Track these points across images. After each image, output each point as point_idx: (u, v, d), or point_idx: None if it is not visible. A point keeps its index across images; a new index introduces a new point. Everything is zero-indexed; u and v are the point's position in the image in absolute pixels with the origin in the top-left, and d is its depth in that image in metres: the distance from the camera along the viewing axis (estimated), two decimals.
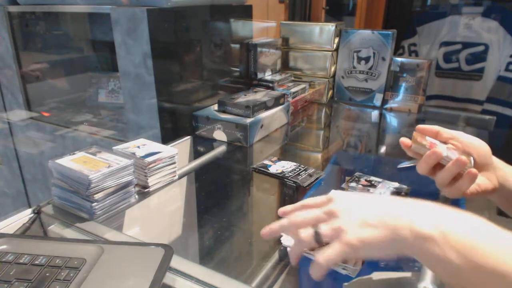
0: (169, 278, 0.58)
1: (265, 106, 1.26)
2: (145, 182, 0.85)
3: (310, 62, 1.66)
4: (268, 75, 1.59)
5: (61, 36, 1.75)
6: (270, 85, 1.51)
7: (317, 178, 0.96)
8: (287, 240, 0.66)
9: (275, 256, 0.66)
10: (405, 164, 0.74)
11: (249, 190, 0.98)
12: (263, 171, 1.00)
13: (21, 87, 1.52)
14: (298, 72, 1.70)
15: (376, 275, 0.59)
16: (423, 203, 0.46)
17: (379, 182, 0.91)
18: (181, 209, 0.87)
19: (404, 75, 1.48)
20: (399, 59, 1.50)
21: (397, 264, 0.63)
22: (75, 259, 0.56)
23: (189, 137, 1.23)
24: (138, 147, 0.90)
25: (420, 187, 0.89)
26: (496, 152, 0.67)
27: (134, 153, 0.86)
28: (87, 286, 0.51)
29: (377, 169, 1.08)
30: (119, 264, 0.56)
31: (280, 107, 1.33)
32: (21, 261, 0.55)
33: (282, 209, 0.57)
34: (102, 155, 0.80)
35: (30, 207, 0.77)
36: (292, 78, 1.66)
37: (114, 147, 0.89)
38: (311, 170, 0.99)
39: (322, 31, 1.59)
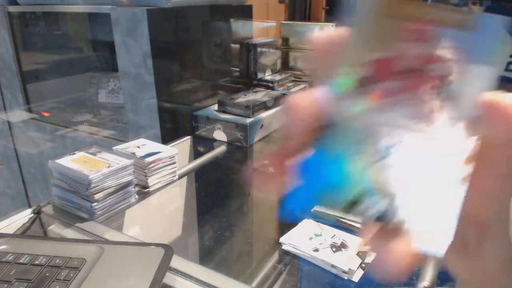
0: (169, 278, 0.58)
1: (265, 106, 1.26)
2: (145, 182, 0.85)
3: None
4: (268, 75, 1.59)
5: (61, 36, 1.75)
6: (270, 85, 1.51)
7: None
8: (286, 240, 0.66)
9: (275, 256, 0.66)
10: None
11: (249, 190, 0.98)
12: None
13: (21, 87, 1.52)
14: (298, 72, 1.70)
15: None
16: None
17: None
18: (181, 209, 0.87)
19: None
20: None
21: None
22: (75, 259, 0.56)
23: (189, 137, 1.23)
24: (138, 147, 0.90)
25: None
26: None
27: (134, 153, 0.86)
28: (87, 286, 0.51)
29: None
30: (119, 264, 0.56)
31: (280, 107, 1.33)
32: (21, 261, 0.55)
33: None
34: (102, 155, 0.80)
35: (30, 207, 0.77)
36: (292, 78, 1.66)
37: (114, 147, 0.88)
38: None
39: None
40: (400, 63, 0.16)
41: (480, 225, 0.21)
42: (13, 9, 1.44)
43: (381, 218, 0.16)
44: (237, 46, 1.47)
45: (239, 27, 1.45)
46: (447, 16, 0.16)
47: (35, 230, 0.73)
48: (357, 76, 0.16)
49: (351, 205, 0.16)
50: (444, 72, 0.16)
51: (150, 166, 0.85)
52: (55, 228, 0.72)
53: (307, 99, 0.17)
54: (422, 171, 0.16)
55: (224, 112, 1.25)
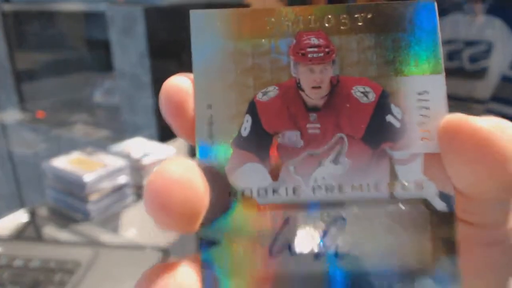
0: None
1: None
2: (141, 183, 0.84)
3: None
4: None
5: (56, 35, 1.73)
6: None
7: None
8: None
9: None
10: None
11: None
12: None
13: (15, 87, 1.50)
14: None
15: None
16: None
17: None
18: None
19: None
20: None
21: None
22: (69, 262, 0.55)
23: None
24: (134, 147, 0.89)
25: None
26: None
27: (130, 154, 0.85)
28: None
29: None
30: (115, 267, 0.55)
31: None
32: (14, 264, 0.55)
33: None
34: (97, 156, 0.79)
35: (24, 208, 0.76)
36: None
37: (109, 148, 0.87)
38: None
39: None
40: (294, 100, 0.12)
41: None
42: (6, 7, 1.42)
43: None
44: None
45: None
46: (342, 20, 0.12)
47: (29, 232, 0.72)
48: (239, 131, 0.12)
49: None
50: (367, 96, 0.12)
51: (147, 166, 0.84)
52: (49, 230, 0.71)
53: (183, 172, 0.11)
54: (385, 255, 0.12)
55: None
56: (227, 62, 0.12)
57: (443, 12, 1.52)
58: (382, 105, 0.12)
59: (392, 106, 0.12)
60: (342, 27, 0.12)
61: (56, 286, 0.51)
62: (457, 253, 0.12)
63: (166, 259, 0.57)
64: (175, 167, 0.11)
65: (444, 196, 0.12)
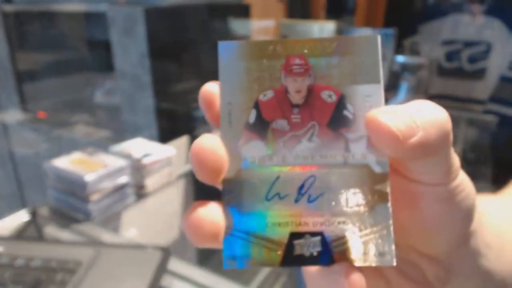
0: (166, 280, 0.57)
1: None
2: (142, 182, 0.85)
3: None
4: None
5: (57, 35, 1.74)
6: None
7: None
8: None
9: None
10: None
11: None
12: None
13: (16, 87, 1.50)
14: None
15: None
16: None
17: None
18: (178, 210, 0.86)
19: (405, 74, 1.47)
20: (400, 58, 1.49)
21: None
22: (70, 262, 0.55)
23: (186, 136, 1.22)
24: (135, 147, 0.89)
25: None
26: (499, 152, 0.67)
27: (130, 154, 0.85)
28: None
29: None
30: (116, 266, 0.55)
31: None
32: (16, 264, 0.55)
33: None
34: (98, 156, 0.79)
35: (25, 208, 0.76)
36: None
37: (110, 148, 0.88)
38: None
39: (322, 30, 1.58)
40: (284, 100, 0.18)
41: (438, 262, 0.20)
42: (7, 7, 1.42)
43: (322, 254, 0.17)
44: None
45: (237, 26, 1.45)
46: (317, 47, 0.18)
47: (31, 232, 0.72)
48: (247, 120, 0.18)
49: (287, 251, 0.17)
50: (331, 98, 0.18)
51: (147, 166, 0.84)
52: (51, 230, 0.71)
53: (212, 145, 0.17)
54: (343, 200, 0.17)
55: None
56: (241, 74, 0.18)
57: (443, 13, 1.51)
58: (341, 104, 0.18)
59: (347, 105, 0.17)
60: (316, 52, 0.18)
61: (58, 285, 0.51)
62: (388, 200, 0.17)
63: (167, 259, 0.57)
64: (207, 140, 0.17)
65: (380, 162, 0.17)
